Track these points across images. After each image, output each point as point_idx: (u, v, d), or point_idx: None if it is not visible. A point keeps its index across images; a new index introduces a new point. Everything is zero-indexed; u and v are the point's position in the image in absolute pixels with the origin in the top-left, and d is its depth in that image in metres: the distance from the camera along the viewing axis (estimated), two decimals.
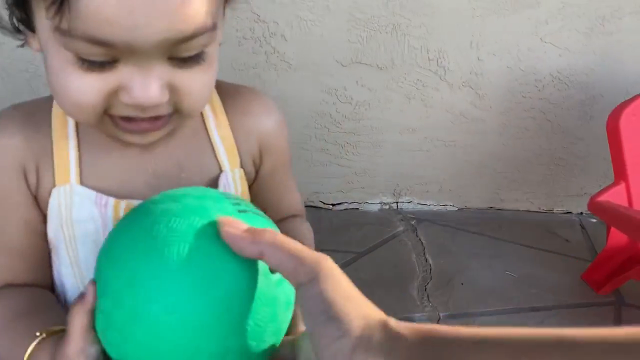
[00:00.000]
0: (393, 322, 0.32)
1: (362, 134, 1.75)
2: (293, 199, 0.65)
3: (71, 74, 0.41)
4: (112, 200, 0.50)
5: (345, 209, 1.82)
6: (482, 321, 1.36)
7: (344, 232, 1.69)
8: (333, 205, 1.82)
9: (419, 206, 1.87)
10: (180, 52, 0.42)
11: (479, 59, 1.70)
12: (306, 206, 1.80)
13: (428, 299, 1.43)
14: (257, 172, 0.59)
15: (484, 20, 1.65)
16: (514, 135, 1.81)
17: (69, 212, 0.50)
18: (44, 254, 0.53)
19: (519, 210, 1.91)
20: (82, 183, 0.50)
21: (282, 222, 0.62)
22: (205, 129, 0.55)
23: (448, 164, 1.84)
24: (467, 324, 1.36)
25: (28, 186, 0.50)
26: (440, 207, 1.89)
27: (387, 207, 1.86)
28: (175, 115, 0.47)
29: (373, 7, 1.59)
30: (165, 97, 0.43)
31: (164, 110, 0.45)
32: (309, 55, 1.63)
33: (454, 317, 1.37)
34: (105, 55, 0.40)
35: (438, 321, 1.35)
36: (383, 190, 1.84)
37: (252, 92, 0.60)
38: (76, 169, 0.50)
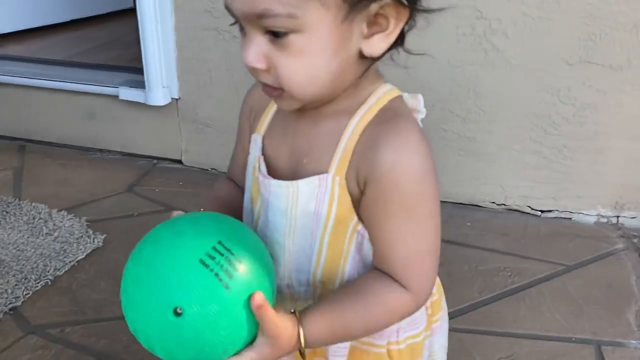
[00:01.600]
0: None
1: (583, 139, 1.62)
2: (391, 252, 0.58)
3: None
4: (256, 155, 0.64)
5: (555, 217, 1.71)
6: None
7: (552, 241, 1.59)
8: (542, 212, 1.73)
9: None
10: (266, 27, 0.51)
11: None
12: (511, 210, 1.75)
13: None
14: (362, 193, 0.58)
15: None
16: None
17: (252, 152, 0.66)
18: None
19: None
20: (263, 136, 0.65)
21: (367, 273, 0.61)
22: (343, 131, 0.58)
23: None
24: None
25: (249, 126, 0.68)
26: None
27: (605, 220, 1.70)
28: (285, 93, 0.55)
29: (612, 3, 1.46)
30: (260, 63, 0.53)
31: (269, 80, 0.55)
32: (532, 53, 1.56)
33: None
34: (237, 21, 0.53)
35: None
36: (602, 202, 1.69)
37: (403, 128, 0.57)
38: (267, 124, 0.65)
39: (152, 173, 1.96)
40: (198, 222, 0.56)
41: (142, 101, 1.88)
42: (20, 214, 1.64)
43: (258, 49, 0.52)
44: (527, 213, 1.73)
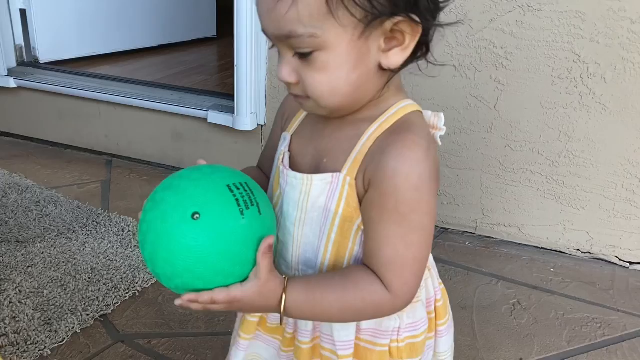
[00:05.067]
0: None
1: None
2: (379, 252, 0.61)
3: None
4: (282, 150, 0.70)
5: None
6: None
7: None
8: (631, 263, 1.66)
9: None
10: (294, 47, 0.58)
11: None
12: (598, 259, 1.69)
13: None
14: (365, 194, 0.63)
15: None
16: None
17: (279, 147, 0.72)
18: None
19: None
20: (292, 135, 0.71)
21: (357, 265, 0.66)
22: (361, 137, 0.63)
23: None
24: None
25: (281, 126, 0.75)
26: None
27: None
28: (311, 100, 0.61)
29: None
30: (292, 78, 0.60)
31: (298, 92, 0.61)
32: (630, 99, 1.52)
33: None
34: (273, 45, 0.60)
35: None
36: None
37: (411, 140, 0.60)
38: (297, 125, 0.71)
39: None
40: (235, 169, 0.65)
41: (230, 125, 1.94)
42: (110, 225, 1.71)
43: (289, 66, 0.60)
44: (613, 263, 1.67)
